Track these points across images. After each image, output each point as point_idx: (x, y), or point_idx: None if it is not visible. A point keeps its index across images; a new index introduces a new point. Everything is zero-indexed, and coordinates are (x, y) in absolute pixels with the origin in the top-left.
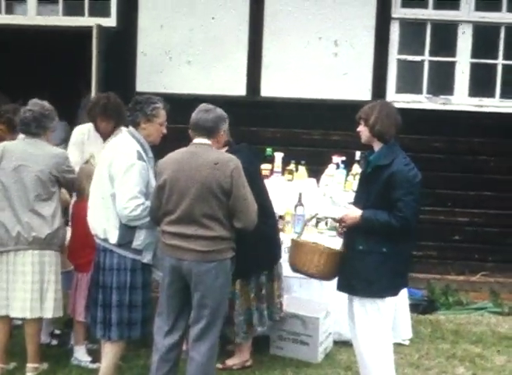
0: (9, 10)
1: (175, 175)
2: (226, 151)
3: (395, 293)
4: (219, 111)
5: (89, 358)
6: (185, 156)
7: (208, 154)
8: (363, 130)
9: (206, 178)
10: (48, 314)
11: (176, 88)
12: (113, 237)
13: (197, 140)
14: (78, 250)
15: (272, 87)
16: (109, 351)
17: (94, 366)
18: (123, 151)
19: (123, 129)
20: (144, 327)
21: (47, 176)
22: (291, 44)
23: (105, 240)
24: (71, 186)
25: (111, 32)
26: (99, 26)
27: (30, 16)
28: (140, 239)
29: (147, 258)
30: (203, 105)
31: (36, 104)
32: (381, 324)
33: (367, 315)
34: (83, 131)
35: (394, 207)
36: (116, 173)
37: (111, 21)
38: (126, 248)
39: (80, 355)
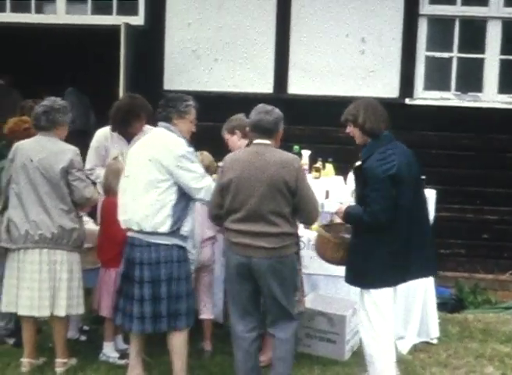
0: (39, 9)
1: (241, 174)
2: (247, 145)
3: (389, 285)
4: (277, 111)
5: (117, 355)
6: (250, 156)
7: (272, 153)
8: (354, 132)
9: (273, 177)
10: (61, 312)
11: (203, 86)
12: (165, 226)
13: (258, 140)
14: (104, 246)
15: (298, 84)
16: (175, 345)
17: (122, 362)
18: (173, 141)
19: (160, 124)
20: (188, 318)
21: (57, 173)
22: (318, 42)
23: (152, 233)
24: (79, 183)
25: (139, 30)
26: (127, 25)
27: (60, 15)
28: (187, 225)
29: (189, 245)
30: (261, 106)
31: (49, 99)
32: (377, 316)
33: (364, 306)
34: (106, 135)
35: (365, 202)
36: (174, 164)
37: (139, 19)
38: (175, 235)
39: (108, 350)
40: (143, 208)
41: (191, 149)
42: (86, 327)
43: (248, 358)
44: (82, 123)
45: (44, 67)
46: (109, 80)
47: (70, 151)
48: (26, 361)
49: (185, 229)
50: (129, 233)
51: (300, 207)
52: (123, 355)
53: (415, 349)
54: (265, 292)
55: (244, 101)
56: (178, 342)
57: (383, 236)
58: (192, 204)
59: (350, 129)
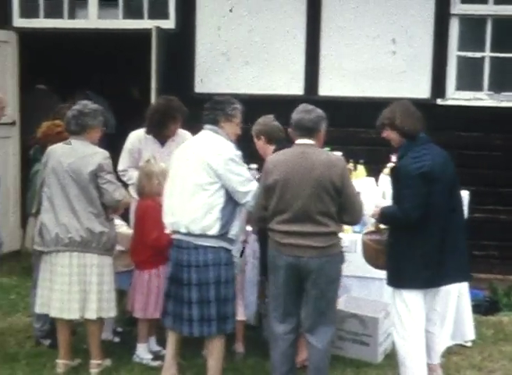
0: (71, 15)
1: (287, 175)
2: (275, 149)
3: (420, 287)
4: (319, 111)
5: (150, 356)
6: (295, 157)
7: (317, 153)
8: (391, 135)
9: (320, 177)
10: (91, 315)
11: (233, 89)
12: (214, 229)
13: (301, 140)
14: (138, 248)
15: (329, 86)
16: (213, 348)
17: (156, 363)
18: (222, 144)
19: (206, 127)
20: (234, 321)
21: (85, 176)
22: (348, 43)
23: (201, 236)
24: (108, 185)
25: (169, 34)
26: (158, 29)
27: (91, 19)
28: (235, 229)
29: (235, 249)
30: (303, 106)
31: (80, 103)
32: (408, 317)
33: (395, 306)
34: (140, 138)
35: (398, 200)
36: (222, 167)
37: (169, 23)
38: (224, 238)
39: (142, 352)
40: (191, 210)
41: (239, 152)
42: (120, 329)
43: (285, 360)
44: None
45: (74, 72)
46: (140, 84)
47: (99, 154)
48: (61, 362)
49: (233, 232)
50: (176, 236)
51: (346, 206)
52: (156, 356)
53: (449, 352)
54: (311, 293)
55: (275, 104)
56: (218, 345)
57: (416, 236)
58: (239, 207)
59: (387, 133)
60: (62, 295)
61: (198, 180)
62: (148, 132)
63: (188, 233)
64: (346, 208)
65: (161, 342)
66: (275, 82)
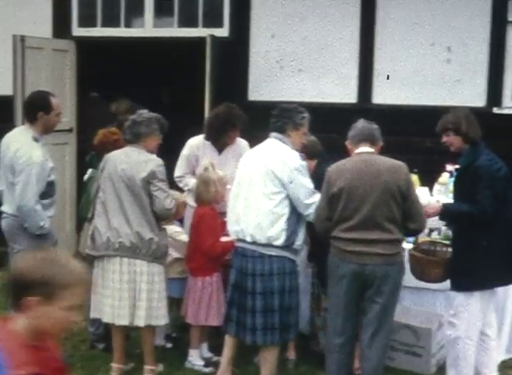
0: (128, 23)
1: (352, 182)
2: (318, 162)
3: (485, 287)
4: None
5: (202, 362)
6: (359, 164)
7: (380, 160)
8: (454, 140)
9: (387, 183)
10: (140, 322)
11: (286, 96)
12: (280, 240)
13: (361, 149)
14: (193, 255)
15: (383, 94)
16: (268, 356)
17: (207, 370)
18: (288, 154)
19: (272, 135)
20: (295, 330)
21: (138, 183)
22: (403, 51)
23: (266, 245)
24: (160, 193)
25: (224, 42)
26: (212, 37)
27: (147, 28)
28: (300, 239)
29: (299, 258)
30: (361, 120)
31: (137, 112)
32: (464, 318)
33: (466, 309)
34: (198, 145)
35: (474, 200)
36: (288, 176)
37: (223, 31)
38: (289, 248)
39: (194, 358)
40: (256, 220)
41: (304, 163)
42: (174, 334)
43: (342, 372)
44: None
45: (125, 80)
46: (193, 91)
47: (152, 161)
48: (115, 366)
49: (298, 243)
50: (240, 244)
51: (412, 212)
52: (208, 363)
53: (504, 366)
54: (373, 301)
55: (328, 112)
56: (273, 353)
57: (490, 236)
58: (303, 218)
59: (449, 138)
60: (112, 301)
61: (264, 189)
62: (207, 138)
63: (253, 242)
64: (411, 215)
65: (213, 349)
66: (328, 90)
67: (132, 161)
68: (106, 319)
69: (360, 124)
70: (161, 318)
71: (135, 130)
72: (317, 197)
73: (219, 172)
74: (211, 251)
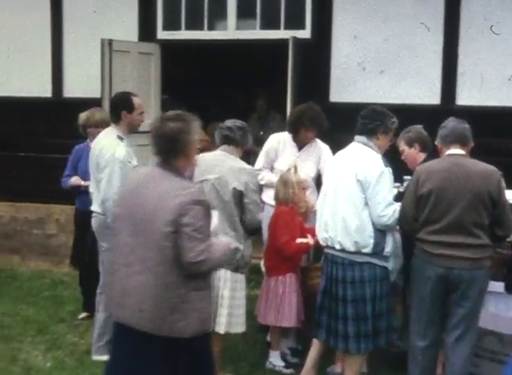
0: (211, 26)
1: (442, 185)
2: (424, 159)
3: None
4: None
5: (282, 363)
6: (450, 167)
7: (472, 164)
8: None
9: (478, 187)
10: (220, 329)
11: (368, 98)
12: (368, 247)
13: (452, 150)
14: (268, 253)
15: (467, 95)
16: (354, 362)
17: (288, 371)
18: (370, 160)
19: (357, 138)
20: (387, 335)
21: (228, 191)
22: (487, 51)
23: (356, 253)
24: (254, 207)
25: (305, 43)
26: (294, 38)
27: (230, 30)
28: (390, 245)
29: (391, 264)
30: (451, 118)
31: (229, 120)
32: None
33: None
34: (279, 139)
35: None
36: (369, 182)
37: (305, 33)
38: (378, 256)
39: (275, 359)
40: (343, 227)
41: (389, 168)
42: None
43: None
44: None
45: (205, 82)
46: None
47: (249, 172)
48: None
49: (387, 250)
50: (330, 251)
51: (501, 218)
52: (289, 364)
53: None
54: (458, 306)
55: (411, 113)
56: (359, 360)
57: None
58: None
59: None
60: None
61: (349, 196)
62: (288, 132)
63: (342, 250)
64: (500, 221)
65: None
66: (410, 91)
67: (223, 169)
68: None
69: (451, 124)
70: (240, 326)
71: (233, 136)
72: (391, 209)
73: (301, 175)
74: (284, 248)
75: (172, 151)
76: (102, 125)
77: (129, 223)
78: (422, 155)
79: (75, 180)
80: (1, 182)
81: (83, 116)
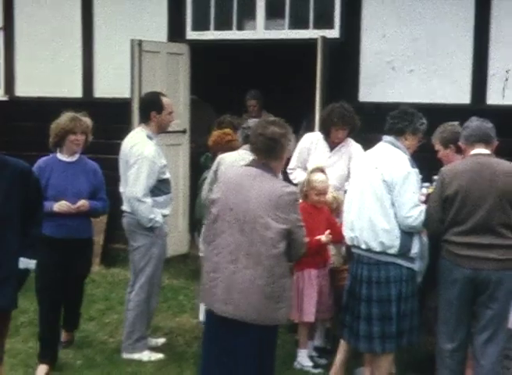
0: (239, 26)
1: (468, 186)
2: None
3: None
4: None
5: (311, 363)
6: (475, 167)
7: (498, 163)
8: None
9: (503, 188)
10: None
11: (397, 98)
12: (394, 248)
13: (477, 150)
14: None
15: (498, 94)
16: (382, 363)
17: (316, 371)
18: (397, 160)
19: (385, 138)
20: (410, 335)
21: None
22: None
23: (382, 253)
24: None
25: (334, 43)
26: (324, 38)
27: (259, 30)
28: (416, 247)
29: (418, 265)
30: (474, 118)
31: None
32: None
33: None
34: (312, 139)
35: None
36: (395, 183)
37: (334, 33)
38: (404, 257)
39: (303, 359)
40: (370, 227)
41: (415, 169)
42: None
43: None
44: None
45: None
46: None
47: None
48: None
49: (414, 251)
50: (356, 251)
51: None
52: (317, 364)
53: None
54: (486, 307)
55: (440, 113)
56: (387, 360)
57: None
58: None
59: None
60: None
61: (375, 196)
62: (319, 131)
63: (368, 250)
64: None
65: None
66: (440, 91)
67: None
68: None
69: (474, 123)
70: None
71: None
72: (417, 210)
73: (323, 176)
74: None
75: (273, 153)
76: (87, 132)
77: (232, 222)
78: (458, 157)
79: (61, 206)
80: None
81: (64, 122)
